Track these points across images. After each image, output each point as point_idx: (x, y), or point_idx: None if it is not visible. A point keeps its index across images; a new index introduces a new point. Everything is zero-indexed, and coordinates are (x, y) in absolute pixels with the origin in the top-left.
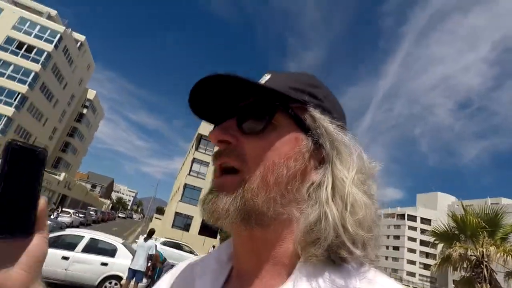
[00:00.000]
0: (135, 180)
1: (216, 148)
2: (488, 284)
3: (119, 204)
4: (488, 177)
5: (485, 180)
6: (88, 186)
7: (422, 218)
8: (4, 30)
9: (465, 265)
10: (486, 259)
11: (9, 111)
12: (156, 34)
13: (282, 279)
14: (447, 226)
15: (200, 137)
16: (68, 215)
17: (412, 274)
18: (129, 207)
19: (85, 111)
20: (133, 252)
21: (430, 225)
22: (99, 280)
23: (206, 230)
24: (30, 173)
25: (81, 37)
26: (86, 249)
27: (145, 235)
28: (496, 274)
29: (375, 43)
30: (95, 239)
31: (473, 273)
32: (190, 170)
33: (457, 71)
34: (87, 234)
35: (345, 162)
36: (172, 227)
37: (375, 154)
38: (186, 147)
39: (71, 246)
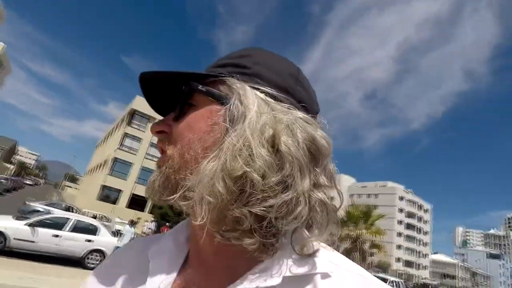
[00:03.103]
0: (34, 140)
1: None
2: (359, 253)
3: (22, 169)
4: (382, 160)
5: (380, 162)
6: None
7: None
8: None
9: (348, 241)
10: (360, 237)
11: None
12: None
13: (247, 263)
14: (340, 216)
15: (134, 112)
16: None
17: None
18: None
19: None
20: (110, 232)
21: None
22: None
23: (135, 204)
24: None
25: None
26: (75, 229)
27: (129, 223)
28: (365, 244)
29: (304, 28)
30: (80, 220)
31: (352, 246)
32: (121, 144)
33: (368, 64)
34: (73, 217)
35: (241, 127)
36: (99, 200)
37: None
38: (98, 109)
39: (59, 226)
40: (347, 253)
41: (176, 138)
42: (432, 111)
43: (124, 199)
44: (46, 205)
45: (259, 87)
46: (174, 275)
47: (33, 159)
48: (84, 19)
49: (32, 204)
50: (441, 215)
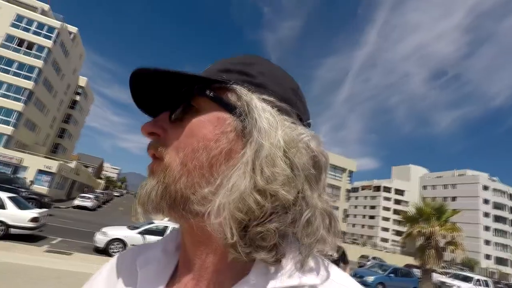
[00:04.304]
0: (114, 155)
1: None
2: (434, 250)
3: (109, 183)
4: (459, 146)
5: (455, 149)
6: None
7: (396, 189)
8: (3, 27)
9: (421, 238)
10: (433, 234)
11: (19, 106)
12: (122, 5)
13: (233, 275)
14: (411, 213)
15: None
16: (90, 200)
17: (385, 240)
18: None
19: (78, 98)
20: None
21: (403, 195)
22: None
23: None
24: None
25: (74, 29)
26: None
27: None
28: (440, 243)
29: (354, 11)
30: (176, 227)
31: (425, 243)
32: None
33: (431, 39)
34: (171, 225)
35: (259, 141)
36: None
37: (353, 125)
38: None
39: (161, 233)
40: (421, 251)
41: (174, 143)
42: None
43: None
44: None
45: (266, 98)
46: (162, 286)
47: (116, 173)
48: (143, 42)
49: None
50: None
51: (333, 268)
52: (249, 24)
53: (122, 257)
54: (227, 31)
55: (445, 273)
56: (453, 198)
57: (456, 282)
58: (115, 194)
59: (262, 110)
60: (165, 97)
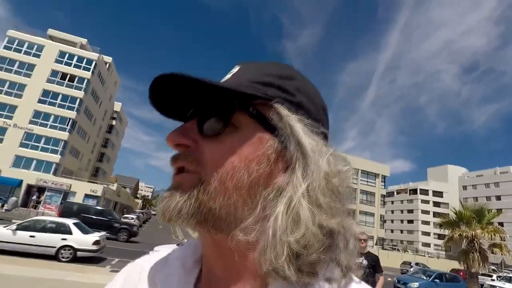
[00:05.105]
0: (146, 174)
1: (174, 152)
2: (478, 253)
3: (146, 202)
4: (499, 142)
5: (495, 146)
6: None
7: (434, 191)
8: (48, 64)
9: (464, 241)
10: (476, 237)
11: (65, 135)
12: (146, 27)
13: None
14: (451, 217)
15: None
16: (132, 220)
17: (427, 245)
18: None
19: (114, 122)
20: None
21: (442, 197)
22: None
23: None
24: None
25: (109, 59)
26: None
27: None
28: (484, 245)
29: (374, 13)
30: None
31: (468, 247)
32: None
33: (460, 34)
34: None
35: (307, 168)
36: None
37: (382, 128)
38: None
39: None
40: (464, 254)
41: (212, 159)
42: None
43: None
44: None
45: (306, 121)
46: None
47: (150, 192)
48: (164, 60)
49: None
50: None
51: (361, 284)
52: (269, 35)
53: (137, 268)
54: (248, 46)
55: (489, 276)
56: (498, 197)
57: (508, 286)
58: (153, 213)
59: (305, 134)
60: (186, 101)
